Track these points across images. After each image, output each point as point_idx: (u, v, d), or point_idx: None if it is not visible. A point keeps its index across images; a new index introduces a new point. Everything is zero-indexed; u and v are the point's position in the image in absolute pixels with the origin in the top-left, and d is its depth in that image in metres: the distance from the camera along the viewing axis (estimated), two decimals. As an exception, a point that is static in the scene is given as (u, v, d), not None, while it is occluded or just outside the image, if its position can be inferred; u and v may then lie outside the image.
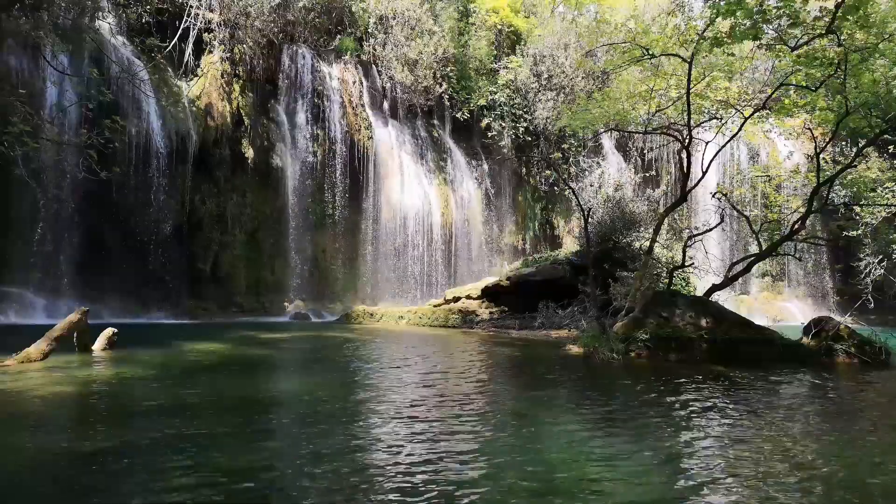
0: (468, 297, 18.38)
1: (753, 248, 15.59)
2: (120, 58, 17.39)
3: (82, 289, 16.28)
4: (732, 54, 11.56)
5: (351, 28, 23.83)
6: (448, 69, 24.75)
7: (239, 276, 20.24)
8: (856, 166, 13.54)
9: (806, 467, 4.25)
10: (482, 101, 25.44)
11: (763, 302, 25.71)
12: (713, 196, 15.04)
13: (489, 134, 25.96)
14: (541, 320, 15.81)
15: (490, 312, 17.28)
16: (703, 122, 13.75)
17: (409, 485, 3.63)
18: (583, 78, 25.66)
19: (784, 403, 6.63)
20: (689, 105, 11.91)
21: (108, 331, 9.44)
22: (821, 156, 12.40)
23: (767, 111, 12.63)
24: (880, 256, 19.89)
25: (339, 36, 23.51)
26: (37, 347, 7.96)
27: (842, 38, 9.93)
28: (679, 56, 11.93)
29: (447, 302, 18.61)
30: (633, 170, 27.03)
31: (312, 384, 7.36)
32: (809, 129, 13.82)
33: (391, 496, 3.45)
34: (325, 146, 21.88)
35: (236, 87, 20.47)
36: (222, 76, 20.02)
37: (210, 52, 20.02)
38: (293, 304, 20.60)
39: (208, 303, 19.22)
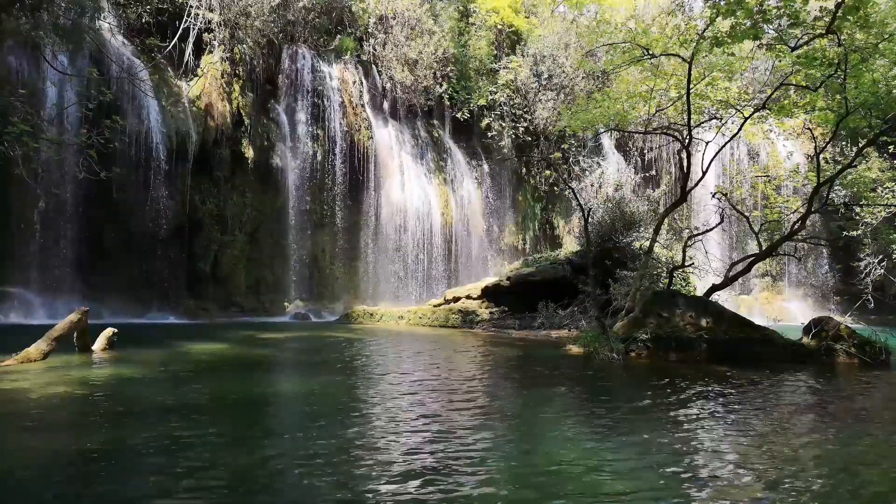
0: (468, 297, 18.37)
1: (753, 248, 15.59)
2: (120, 58, 17.38)
3: (82, 289, 16.27)
4: (732, 54, 11.55)
5: (351, 28, 23.82)
6: (448, 69, 24.73)
7: (239, 276, 20.24)
8: (856, 166, 13.54)
9: (806, 467, 4.25)
10: (482, 101, 25.43)
11: (763, 302, 25.71)
12: (713, 196, 15.05)
13: (489, 134, 25.95)
14: (541, 320, 15.80)
15: (490, 312, 17.27)
16: (703, 122, 13.75)
17: (409, 485, 3.63)
18: (583, 78, 25.65)
19: (784, 403, 6.63)
20: (689, 105, 11.91)
21: (108, 331, 9.44)
22: (821, 156, 12.40)
23: (767, 111, 12.63)
24: (880, 256, 19.88)
25: (339, 36, 23.50)
26: (37, 347, 7.96)
27: (842, 38, 9.93)
28: (679, 56, 11.93)
29: (447, 302, 18.60)
30: (633, 170, 27.04)
31: (312, 384, 7.36)
32: (809, 129, 13.83)
33: (391, 497, 3.45)
34: (325, 146, 21.87)
35: (236, 87, 20.46)
36: (222, 76, 20.01)
37: (210, 52, 20.00)
38: (293, 304, 20.59)
39: (208, 303, 19.22)
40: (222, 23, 19.99)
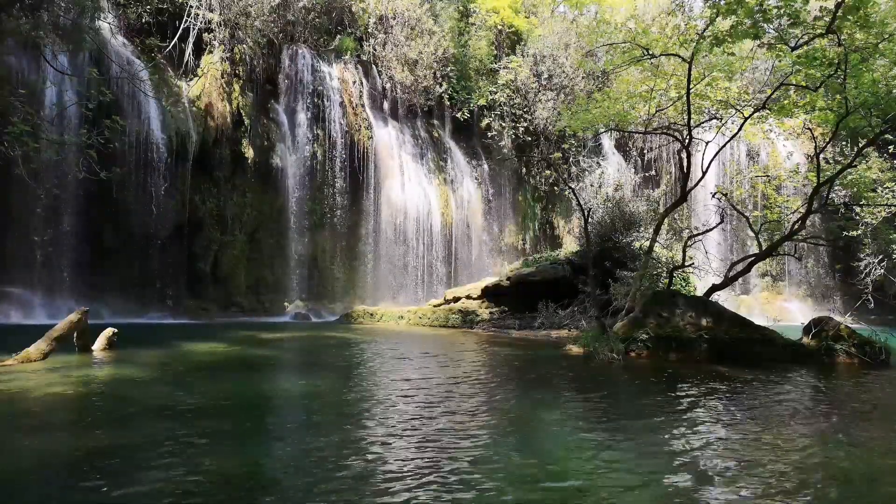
0: (468, 297, 18.37)
1: (753, 248, 15.59)
2: (120, 58, 17.38)
3: (82, 289, 16.28)
4: (732, 54, 11.54)
5: (351, 28, 23.83)
6: (448, 69, 24.74)
7: (239, 276, 20.24)
8: (856, 166, 13.52)
9: (805, 468, 4.25)
10: (482, 101, 25.44)
11: (763, 302, 25.69)
12: (713, 196, 15.04)
13: (489, 134, 25.95)
14: (541, 320, 15.80)
15: (490, 312, 17.27)
16: (703, 122, 13.75)
17: (409, 486, 3.63)
18: (583, 78, 25.66)
19: (784, 403, 6.62)
20: (689, 105, 11.91)
21: (108, 331, 9.45)
22: (821, 156, 12.40)
23: (767, 111, 12.63)
24: (880, 256, 19.90)
25: (339, 36, 23.50)
26: (37, 347, 7.96)
27: (842, 38, 9.93)
28: (679, 56, 11.92)
29: (447, 302, 18.60)
30: (633, 170, 27.04)
31: (312, 385, 7.36)
32: (809, 129, 13.81)
33: (390, 497, 3.45)
34: (325, 146, 21.87)
35: (236, 87, 20.47)
36: (222, 76, 20.01)
37: (210, 52, 20.01)
38: (293, 304, 20.59)
39: (208, 303, 19.22)
40: (222, 23, 20.00)
